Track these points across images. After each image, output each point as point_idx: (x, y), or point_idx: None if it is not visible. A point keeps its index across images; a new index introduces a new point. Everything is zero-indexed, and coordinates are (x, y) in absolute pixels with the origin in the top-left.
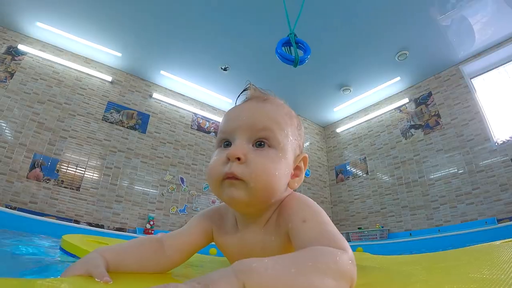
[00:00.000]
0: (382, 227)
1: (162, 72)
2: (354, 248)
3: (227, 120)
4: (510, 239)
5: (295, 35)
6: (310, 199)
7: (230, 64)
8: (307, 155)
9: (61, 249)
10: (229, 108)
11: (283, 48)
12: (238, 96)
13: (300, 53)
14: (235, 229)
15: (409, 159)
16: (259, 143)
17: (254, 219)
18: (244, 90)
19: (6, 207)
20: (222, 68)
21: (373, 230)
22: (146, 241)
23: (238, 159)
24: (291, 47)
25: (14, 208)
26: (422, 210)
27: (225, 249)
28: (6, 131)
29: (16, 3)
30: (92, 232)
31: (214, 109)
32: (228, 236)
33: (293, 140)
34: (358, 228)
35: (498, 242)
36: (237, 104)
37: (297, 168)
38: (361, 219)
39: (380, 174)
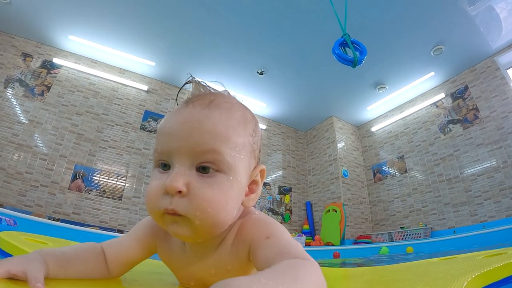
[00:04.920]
0: (426, 225)
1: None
2: (404, 248)
3: (163, 136)
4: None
5: (348, 35)
6: (269, 217)
7: (266, 68)
8: (264, 167)
9: None
10: (167, 118)
11: (340, 48)
12: (178, 93)
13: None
14: (182, 249)
15: (449, 155)
16: (204, 167)
17: (204, 243)
18: (185, 84)
19: (49, 219)
20: (258, 72)
21: (417, 229)
22: (88, 249)
23: (179, 192)
24: (346, 48)
25: (57, 220)
26: (465, 206)
27: (172, 269)
28: (46, 143)
29: (48, 18)
30: None
31: None
32: (174, 256)
33: (248, 155)
34: (401, 227)
35: (436, 259)
36: (176, 106)
37: (253, 182)
38: (402, 218)
39: (419, 172)
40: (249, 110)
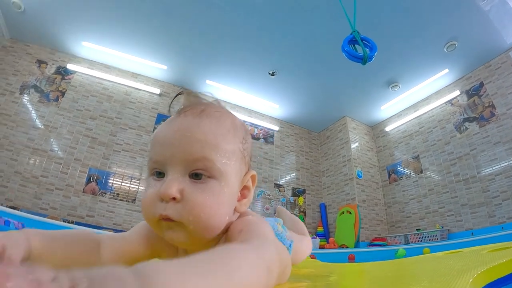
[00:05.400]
0: (442, 227)
1: (207, 81)
2: (420, 250)
3: (157, 145)
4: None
5: (358, 32)
6: (259, 217)
7: (278, 69)
8: (255, 173)
9: None
10: (161, 127)
11: (349, 46)
12: (170, 104)
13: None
14: (173, 251)
15: (465, 154)
16: (196, 174)
17: (199, 249)
18: (176, 96)
19: (64, 221)
20: (270, 73)
21: (433, 231)
22: (82, 236)
23: (173, 198)
24: (355, 45)
25: (72, 222)
26: (483, 207)
27: None
28: (61, 147)
29: (61, 26)
30: None
31: (262, 115)
32: (166, 257)
33: (238, 161)
34: (417, 229)
35: (441, 253)
36: (170, 116)
37: (244, 188)
38: (418, 220)
39: (435, 172)
40: (239, 119)
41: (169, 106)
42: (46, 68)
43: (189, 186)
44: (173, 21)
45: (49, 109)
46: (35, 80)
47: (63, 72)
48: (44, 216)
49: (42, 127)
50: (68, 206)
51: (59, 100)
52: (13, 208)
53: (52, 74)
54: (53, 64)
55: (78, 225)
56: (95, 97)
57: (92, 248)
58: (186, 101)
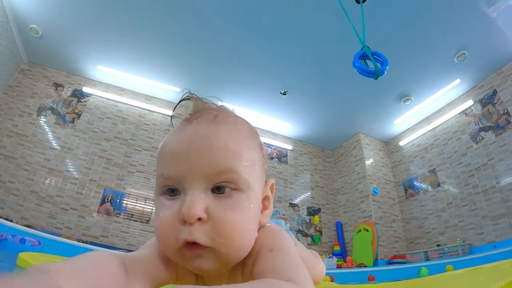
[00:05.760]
0: (463, 241)
1: (220, 103)
2: (443, 267)
3: (169, 159)
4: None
5: (368, 47)
6: (279, 226)
7: (289, 88)
8: (274, 181)
9: (17, 267)
10: (170, 137)
11: (360, 61)
12: (174, 109)
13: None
14: (193, 274)
15: (483, 165)
16: (219, 187)
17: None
18: (181, 101)
19: (78, 241)
20: (281, 93)
21: (454, 246)
22: (105, 261)
23: (199, 219)
24: (366, 60)
25: (86, 242)
26: (504, 218)
27: None
28: (76, 168)
29: (77, 51)
30: None
31: (274, 135)
32: (185, 276)
33: (260, 169)
34: (437, 245)
35: (462, 271)
36: (175, 125)
37: (265, 198)
38: (438, 235)
39: (453, 185)
40: (251, 124)
41: (172, 112)
42: (62, 91)
43: (215, 203)
44: (185, 45)
45: (65, 130)
46: (52, 102)
47: (79, 95)
48: (59, 235)
49: (58, 148)
50: (83, 226)
51: (75, 122)
52: (28, 227)
53: (69, 96)
54: (69, 87)
55: (93, 245)
56: (110, 119)
57: (119, 275)
58: (195, 107)
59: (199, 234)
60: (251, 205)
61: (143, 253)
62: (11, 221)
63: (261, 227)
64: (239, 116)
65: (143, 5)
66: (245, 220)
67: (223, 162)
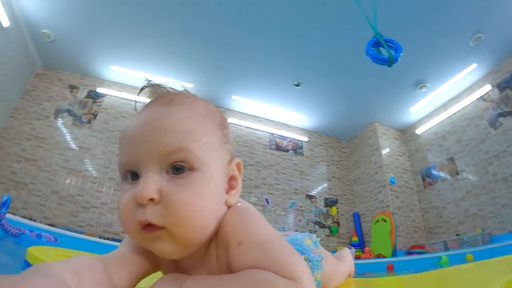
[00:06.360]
0: (483, 231)
1: (233, 97)
2: (463, 255)
3: (125, 144)
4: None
5: (380, 34)
6: (252, 209)
7: (302, 79)
8: (240, 160)
9: (26, 262)
10: (126, 124)
11: (373, 49)
12: (138, 95)
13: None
14: (173, 267)
15: (502, 152)
16: (177, 168)
17: (192, 255)
18: (142, 89)
19: (100, 238)
20: (294, 84)
21: (474, 236)
22: (92, 269)
23: (152, 200)
24: (380, 48)
25: (108, 239)
26: None
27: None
28: (95, 167)
29: (90, 52)
30: None
31: (289, 127)
32: (165, 264)
33: (220, 149)
34: (456, 234)
35: (472, 264)
36: (136, 112)
37: (231, 178)
38: (458, 224)
39: (472, 173)
40: (212, 104)
41: (135, 105)
42: (77, 92)
43: (168, 183)
44: (196, 40)
45: (82, 131)
46: (68, 104)
47: (94, 96)
48: (81, 233)
49: (77, 148)
50: (104, 223)
51: (91, 122)
52: (51, 226)
53: (84, 98)
54: (84, 88)
55: (114, 241)
56: (125, 118)
57: (106, 277)
58: (153, 93)
59: (152, 215)
60: (207, 184)
61: (120, 249)
62: (34, 220)
63: (229, 206)
64: (199, 98)
65: (153, 4)
66: (199, 198)
67: (174, 141)
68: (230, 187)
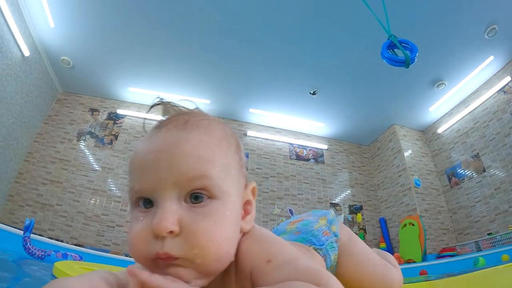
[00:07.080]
0: None
1: (251, 110)
2: (498, 256)
3: (139, 170)
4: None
5: (394, 36)
6: (267, 231)
7: (318, 88)
8: (255, 185)
9: (53, 276)
10: (139, 147)
11: (388, 51)
12: (144, 120)
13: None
14: None
15: None
16: (196, 196)
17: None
18: (152, 107)
19: (125, 256)
20: (311, 93)
21: (507, 233)
22: (109, 279)
23: (171, 232)
24: (395, 50)
25: None
26: None
27: None
28: (118, 187)
29: (108, 76)
30: None
31: (308, 136)
32: None
33: (237, 174)
34: (488, 234)
35: (501, 267)
36: (148, 134)
37: (246, 203)
38: (489, 223)
39: (499, 169)
40: (228, 126)
41: (143, 123)
42: (98, 115)
43: (188, 213)
44: (211, 58)
45: (105, 152)
46: (90, 127)
47: (114, 117)
48: (107, 251)
49: (100, 169)
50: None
51: (113, 143)
52: (78, 246)
53: (105, 120)
54: (104, 110)
55: None
56: None
57: None
58: (165, 113)
59: (171, 248)
60: (227, 213)
61: (138, 264)
62: (61, 241)
63: (244, 233)
64: (213, 119)
65: (167, 25)
66: (220, 228)
67: (194, 168)
68: (245, 212)
